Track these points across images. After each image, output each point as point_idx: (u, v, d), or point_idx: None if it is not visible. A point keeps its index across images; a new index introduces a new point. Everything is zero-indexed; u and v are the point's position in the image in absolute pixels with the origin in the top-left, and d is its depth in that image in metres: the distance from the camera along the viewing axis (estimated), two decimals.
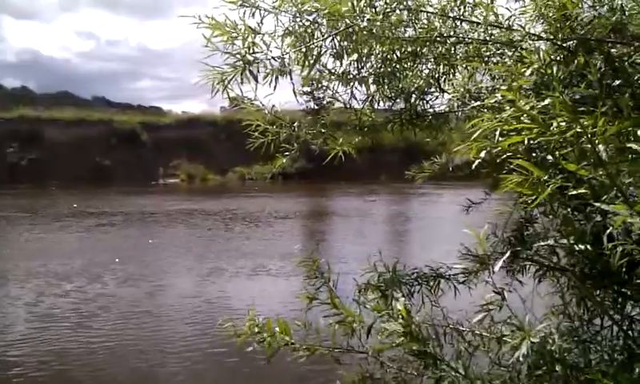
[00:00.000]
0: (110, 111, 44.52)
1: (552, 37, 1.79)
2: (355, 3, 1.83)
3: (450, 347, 1.77)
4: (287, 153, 2.82)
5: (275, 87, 2.06)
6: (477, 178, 3.61)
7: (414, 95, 2.28)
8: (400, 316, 1.56)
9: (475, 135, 1.35)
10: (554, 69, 1.13)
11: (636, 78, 1.61)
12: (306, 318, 2.55)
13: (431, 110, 2.43)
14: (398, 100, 2.42)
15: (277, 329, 2.34)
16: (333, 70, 2.23)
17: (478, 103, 1.46)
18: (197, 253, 14.77)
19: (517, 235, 2.04)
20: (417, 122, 2.47)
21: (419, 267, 2.20)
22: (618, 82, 1.55)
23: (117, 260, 13.51)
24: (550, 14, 1.86)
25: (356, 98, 2.53)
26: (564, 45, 1.76)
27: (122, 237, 17.83)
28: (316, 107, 2.78)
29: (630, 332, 1.49)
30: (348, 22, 1.92)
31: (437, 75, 2.12)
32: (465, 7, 2.14)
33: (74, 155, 38.31)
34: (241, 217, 21.56)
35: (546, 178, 1.17)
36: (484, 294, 2.34)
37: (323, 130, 2.70)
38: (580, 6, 1.81)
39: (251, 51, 1.98)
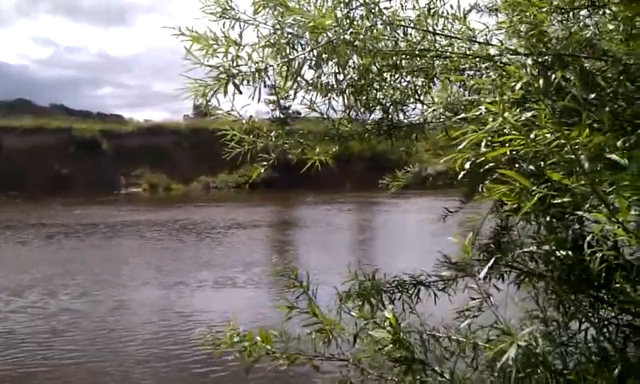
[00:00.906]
0: (69, 119, 43.61)
1: (528, 52, 1.87)
2: (339, 16, 1.87)
3: (432, 354, 1.81)
4: (265, 162, 2.82)
5: (259, 99, 2.08)
6: (450, 187, 3.69)
7: (392, 106, 2.32)
8: (388, 323, 1.59)
9: (462, 146, 1.39)
10: (540, 82, 1.18)
11: (609, 91, 1.69)
12: (283, 327, 2.57)
13: (406, 121, 2.49)
14: (375, 111, 2.47)
15: (258, 338, 2.35)
16: (311, 81, 2.26)
17: (462, 115, 1.51)
18: (159, 265, 14.53)
19: (494, 243, 2.10)
20: (394, 132, 2.52)
21: (399, 275, 2.24)
22: (592, 96, 1.62)
23: (74, 273, 13.17)
24: (523, 29, 1.94)
25: (334, 109, 2.57)
26: (540, 60, 1.84)
27: (77, 249, 17.40)
28: (282, 116, 2.79)
29: (606, 334, 1.56)
30: (330, 35, 1.95)
31: (415, 87, 2.17)
32: (439, 20, 2.22)
33: (33, 164, 37.38)
34: (203, 227, 21.34)
35: (534, 187, 1.22)
36: (462, 301, 2.41)
37: (301, 140, 2.72)
38: (553, 23, 1.90)
39: (235, 64, 2.00)
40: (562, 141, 1.20)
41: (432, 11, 2.25)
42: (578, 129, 1.15)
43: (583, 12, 1.81)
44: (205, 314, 10.04)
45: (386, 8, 2.15)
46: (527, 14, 1.94)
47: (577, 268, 1.58)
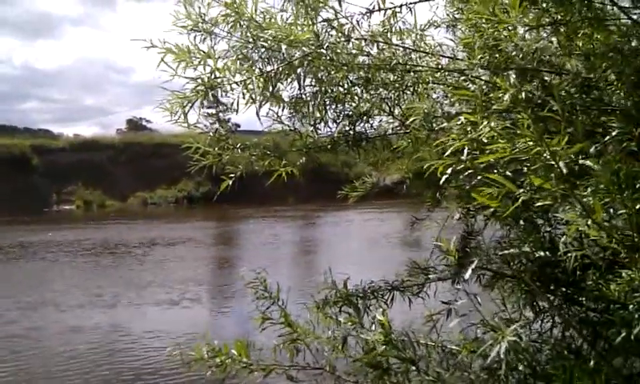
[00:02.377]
0: None
1: (492, 66, 1.99)
2: (317, 31, 1.93)
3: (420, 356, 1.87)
4: (232, 175, 2.81)
5: (237, 111, 2.10)
6: (409, 197, 3.81)
7: (362, 118, 2.40)
8: (380, 325, 1.65)
9: (447, 153, 1.47)
10: (523, 94, 1.28)
11: (568, 102, 1.82)
12: (248, 339, 2.58)
13: (375, 133, 2.58)
14: (343, 122, 2.54)
15: (234, 351, 2.35)
16: (288, 94, 2.30)
17: (444, 125, 1.59)
18: (91, 286, 13.90)
19: (463, 247, 2.20)
20: (362, 143, 2.60)
21: (375, 281, 2.31)
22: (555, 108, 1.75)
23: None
24: (485, 45, 2.06)
25: (301, 121, 2.62)
26: (504, 74, 1.96)
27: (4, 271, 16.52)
28: (221, 129, 2.78)
29: (579, 330, 1.67)
30: (306, 49, 2.01)
31: (386, 100, 2.25)
32: (403, 35, 2.33)
33: None
34: (139, 245, 20.70)
35: (519, 191, 1.31)
36: (428, 305, 2.50)
37: (269, 152, 2.75)
38: (512, 39, 2.03)
39: (213, 77, 2.02)
40: (543, 148, 1.30)
41: (392, 26, 2.36)
42: (558, 137, 1.25)
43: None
44: (149, 333, 9.79)
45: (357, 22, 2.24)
46: (490, 31, 2.06)
47: (548, 268, 1.70)
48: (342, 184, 3.25)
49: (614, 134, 1.48)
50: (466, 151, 1.49)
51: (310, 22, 2.14)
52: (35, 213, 32.32)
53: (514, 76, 1.29)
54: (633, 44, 1.86)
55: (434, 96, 2.33)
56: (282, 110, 2.53)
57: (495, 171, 1.58)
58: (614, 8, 1.88)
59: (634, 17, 1.86)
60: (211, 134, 2.67)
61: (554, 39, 1.87)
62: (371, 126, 2.56)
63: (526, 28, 1.96)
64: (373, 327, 1.75)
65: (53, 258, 18.44)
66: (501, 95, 1.28)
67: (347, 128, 2.60)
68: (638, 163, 1.37)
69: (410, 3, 2.47)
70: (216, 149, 2.75)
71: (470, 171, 1.57)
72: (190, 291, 12.93)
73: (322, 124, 2.54)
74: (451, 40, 2.29)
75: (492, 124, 1.35)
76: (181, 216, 31.82)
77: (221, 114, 2.68)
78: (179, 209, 35.30)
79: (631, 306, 1.40)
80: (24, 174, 37.58)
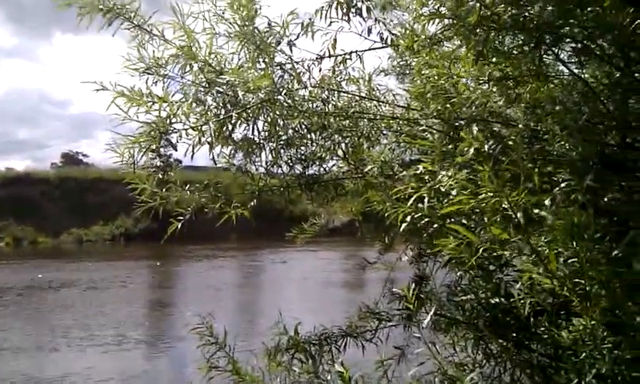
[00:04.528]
0: None
1: (445, 117, 2.06)
2: (275, 79, 1.94)
3: None
4: (181, 217, 2.74)
5: (192, 156, 2.07)
6: (354, 236, 3.81)
7: (316, 162, 2.41)
8: (339, 377, 1.62)
9: (411, 200, 1.49)
10: (486, 146, 1.32)
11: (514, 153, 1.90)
12: None
13: (328, 176, 2.59)
14: (297, 166, 2.55)
15: None
16: (240, 138, 2.29)
17: (403, 173, 1.62)
18: (20, 331, 13.10)
19: (416, 292, 2.21)
20: (314, 186, 2.60)
21: (327, 328, 2.28)
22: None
23: None
24: (431, 95, 2.14)
25: (254, 164, 2.61)
26: (455, 123, 2.03)
27: None
28: (161, 164, 2.74)
29: (530, 374, 1.71)
30: (262, 95, 2.01)
31: (341, 145, 2.28)
32: (354, 83, 2.39)
33: None
34: (69, 285, 19.60)
35: (478, 241, 1.34)
36: (380, 351, 2.49)
37: (219, 194, 2.71)
38: (462, 91, 2.10)
39: (168, 121, 1.98)
40: (503, 199, 1.34)
41: (342, 73, 2.41)
42: (518, 189, 1.30)
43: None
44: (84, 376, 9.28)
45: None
46: (440, 82, 2.14)
47: (500, 314, 1.73)
48: (286, 221, 3.23)
49: (562, 185, 1.55)
50: (426, 200, 1.52)
51: (266, 68, 2.16)
52: None
53: (476, 129, 1.32)
54: (575, 97, 1.97)
55: (385, 142, 2.39)
56: (235, 152, 2.52)
57: (452, 221, 1.62)
58: (558, 62, 1.98)
59: (576, 71, 1.97)
60: (160, 175, 2.61)
61: (502, 92, 1.95)
62: (324, 169, 2.57)
63: (476, 81, 2.04)
64: (329, 377, 1.72)
65: None
66: (465, 148, 1.31)
67: (300, 171, 2.61)
68: (587, 214, 1.43)
69: (360, 51, 2.53)
70: (163, 190, 2.68)
71: (427, 219, 1.60)
72: (127, 335, 12.40)
73: (275, 167, 2.53)
74: (401, 88, 2.36)
75: (453, 174, 1.38)
76: (118, 254, 30.66)
77: (169, 155, 2.62)
78: (116, 246, 34.10)
79: (583, 354, 1.44)
80: None
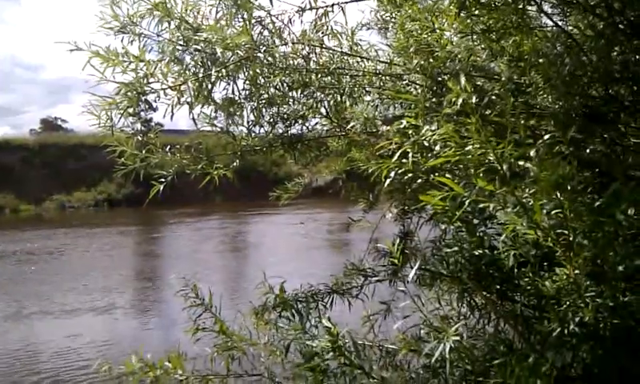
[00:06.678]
0: None
1: (426, 71, 2.03)
2: (255, 36, 1.89)
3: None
4: (163, 179, 2.69)
5: (172, 117, 2.02)
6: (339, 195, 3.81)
7: (298, 121, 2.38)
8: (326, 332, 1.64)
9: (396, 156, 1.47)
10: (474, 98, 1.30)
11: (498, 107, 1.89)
12: (182, 348, 2.50)
13: (310, 135, 2.57)
14: (279, 125, 2.51)
15: (168, 364, 2.27)
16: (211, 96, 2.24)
17: (386, 127, 1.60)
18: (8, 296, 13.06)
19: (400, 248, 2.22)
20: (297, 145, 2.58)
21: (314, 285, 2.29)
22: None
23: None
24: (414, 50, 2.10)
25: (235, 124, 2.57)
26: (438, 78, 2.01)
27: None
28: (143, 129, 2.69)
29: (513, 324, 1.73)
30: (241, 53, 1.96)
31: (324, 102, 2.25)
32: (335, 37, 2.33)
33: None
34: (55, 252, 19.49)
35: (466, 194, 1.34)
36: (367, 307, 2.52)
37: (201, 155, 2.67)
38: (445, 45, 2.08)
39: (145, 81, 1.93)
40: (489, 151, 1.33)
41: (324, 27, 2.36)
42: (504, 142, 1.29)
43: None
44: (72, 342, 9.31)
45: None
46: (423, 36, 2.11)
47: (484, 267, 1.75)
48: (270, 183, 3.21)
49: (546, 137, 1.54)
50: (410, 155, 1.51)
51: (245, 23, 2.10)
52: None
53: (464, 80, 1.30)
54: (558, 49, 1.95)
55: (368, 98, 2.36)
56: (215, 112, 2.47)
57: (438, 174, 1.61)
58: (541, 14, 1.96)
59: (560, 23, 1.95)
60: (139, 137, 2.56)
61: (485, 45, 1.92)
62: (307, 128, 2.54)
63: (459, 35, 2.01)
64: (316, 332, 1.74)
65: None
66: (453, 99, 1.29)
67: (282, 130, 2.58)
68: (570, 166, 1.43)
69: (342, 3, 2.47)
70: (143, 152, 2.62)
71: (412, 174, 1.59)
72: (115, 299, 12.41)
73: (257, 127, 2.50)
74: (384, 43, 2.32)
75: (438, 128, 1.37)
76: (102, 220, 30.41)
77: (149, 119, 2.57)
78: (100, 212, 33.83)
79: (566, 303, 1.46)
80: None
